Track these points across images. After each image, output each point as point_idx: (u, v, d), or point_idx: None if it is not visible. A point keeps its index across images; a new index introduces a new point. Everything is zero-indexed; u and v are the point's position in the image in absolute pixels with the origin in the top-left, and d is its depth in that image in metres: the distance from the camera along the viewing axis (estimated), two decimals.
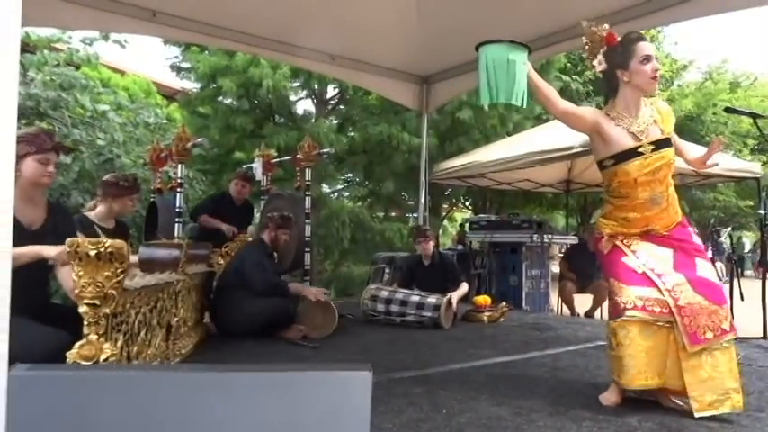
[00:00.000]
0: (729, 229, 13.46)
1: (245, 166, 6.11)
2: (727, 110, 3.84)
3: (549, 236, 6.75)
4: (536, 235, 6.48)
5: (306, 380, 0.98)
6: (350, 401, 0.96)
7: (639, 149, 2.35)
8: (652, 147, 2.36)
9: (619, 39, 2.39)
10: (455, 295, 4.70)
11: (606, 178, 2.49)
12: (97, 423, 0.91)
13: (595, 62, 2.44)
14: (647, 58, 2.32)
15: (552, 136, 6.54)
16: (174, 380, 0.96)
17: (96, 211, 3.35)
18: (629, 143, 2.37)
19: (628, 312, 2.29)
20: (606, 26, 2.43)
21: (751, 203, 13.59)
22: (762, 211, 4.56)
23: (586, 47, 2.46)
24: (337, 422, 0.96)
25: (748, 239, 22.18)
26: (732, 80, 16.32)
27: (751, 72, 17.07)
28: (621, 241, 2.47)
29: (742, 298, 4.59)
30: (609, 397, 2.39)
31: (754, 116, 3.71)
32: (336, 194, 11.54)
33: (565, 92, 11.66)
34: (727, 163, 7.11)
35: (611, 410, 2.28)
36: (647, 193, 2.39)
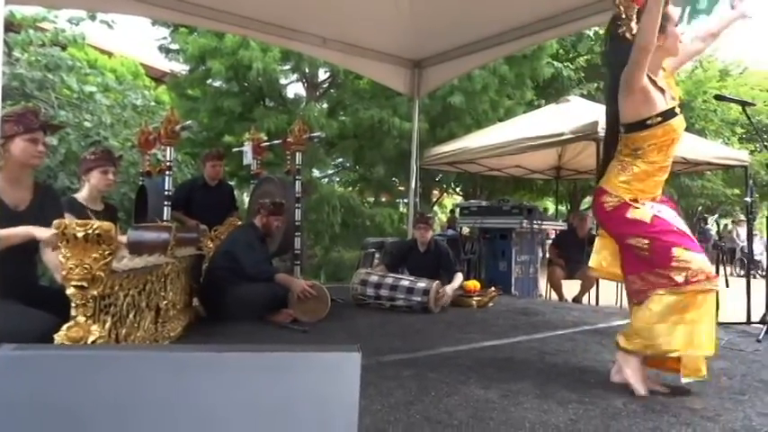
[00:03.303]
0: (716, 216, 13.58)
1: (234, 150, 6.05)
2: (717, 97, 3.88)
3: (539, 222, 6.78)
4: (526, 221, 6.50)
5: (295, 361, 0.98)
6: (339, 382, 0.97)
7: (675, 110, 2.42)
8: (678, 109, 2.44)
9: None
10: (449, 288, 4.73)
11: (639, 141, 2.43)
12: (85, 404, 0.90)
13: (633, 26, 2.35)
14: (677, 23, 2.39)
15: (543, 122, 6.55)
16: (164, 360, 0.96)
17: (83, 192, 3.31)
18: (667, 104, 2.40)
19: (709, 283, 2.29)
20: None
21: (738, 191, 13.72)
22: (748, 199, 4.61)
23: (620, 8, 2.39)
24: (326, 403, 0.96)
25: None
26: (722, 68, 16.38)
27: (741, 60, 17.16)
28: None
29: (727, 285, 4.66)
30: (645, 384, 2.38)
31: (743, 104, 3.74)
32: (327, 179, 11.51)
33: (556, 78, 11.65)
34: (715, 151, 7.18)
35: (597, 393, 2.31)
36: (670, 157, 2.45)
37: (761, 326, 3.74)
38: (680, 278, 2.27)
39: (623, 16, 2.39)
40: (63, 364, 0.93)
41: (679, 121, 2.43)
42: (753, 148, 13.57)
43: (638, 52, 2.24)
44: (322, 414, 0.96)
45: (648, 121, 2.39)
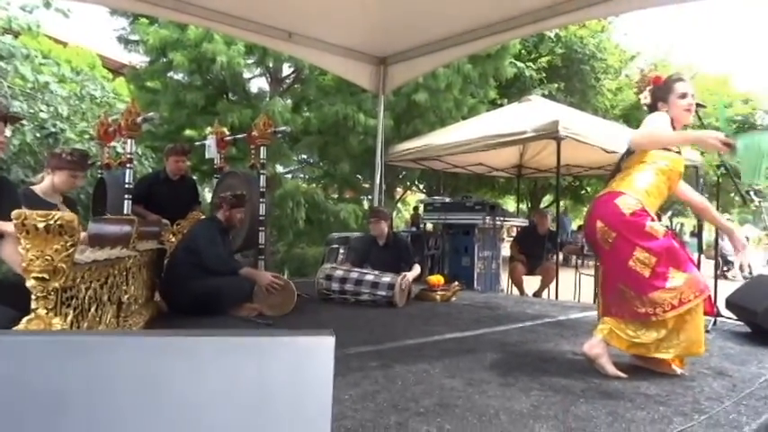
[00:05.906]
0: (669, 214, 14.07)
1: (197, 143, 5.96)
2: None
3: (501, 218, 6.91)
4: (488, 217, 6.62)
5: (270, 345, 0.99)
6: (314, 366, 0.98)
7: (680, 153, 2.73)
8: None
9: (663, 79, 2.82)
10: (410, 275, 4.78)
11: (655, 156, 2.63)
12: (56, 389, 0.90)
13: (641, 96, 2.90)
14: (684, 95, 2.70)
15: (505, 120, 6.68)
16: (138, 345, 0.95)
17: (41, 184, 3.22)
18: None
19: (693, 302, 2.44)
20: (654, 73, 2.68)
21: None
22: None
23: (638, 85, 2.73)
24: (301, 386, 0.98)
25: (686, 225, 23.28)
26: (675, 73, 17.03)
27: (692, 65, 17.87)
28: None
29: None
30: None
31: (696, 106, 3.90)
32: (291, 175, 11.42)
33: (519, 78, 11.86)
34: None
35: (558, 381, 2.40)
36: (669, 192, 2.71)
37: (709, 317, 3.91)
38: (674, 301, 2.42)
39: (641, 85, 2.82)
40: (33, 349, 0.92)
41: (682, 160, 2.71)
42: (703, 150, 14.12)
43: (634, 144, 2.66)
44: (296, 397, 0.98)
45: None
